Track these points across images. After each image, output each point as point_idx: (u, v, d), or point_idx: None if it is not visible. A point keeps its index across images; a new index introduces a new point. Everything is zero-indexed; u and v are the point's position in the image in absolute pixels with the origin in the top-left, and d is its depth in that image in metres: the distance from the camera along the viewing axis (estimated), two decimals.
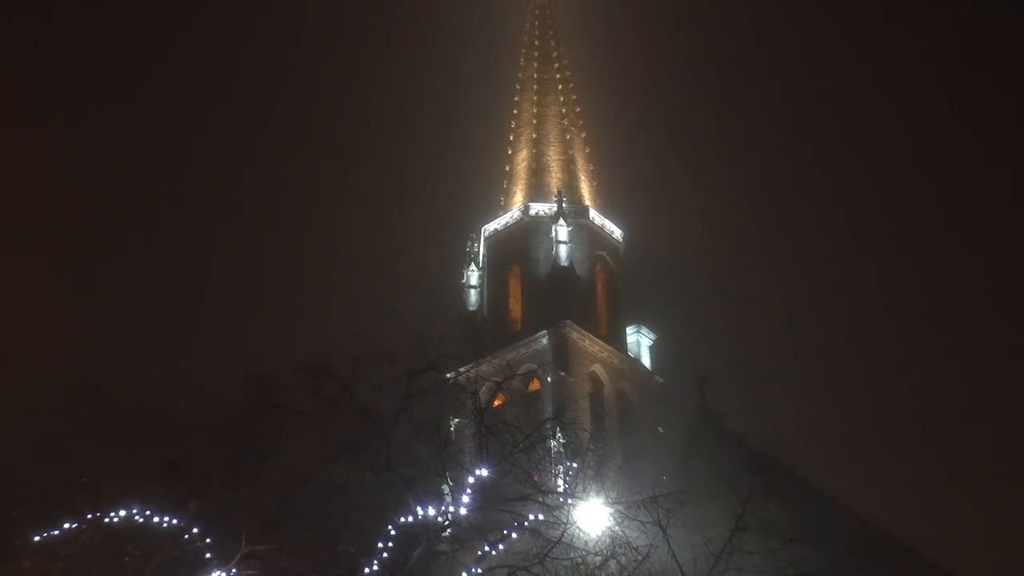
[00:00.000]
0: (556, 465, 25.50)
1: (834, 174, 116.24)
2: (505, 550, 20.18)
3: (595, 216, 56.05)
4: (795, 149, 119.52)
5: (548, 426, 26.28)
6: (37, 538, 18.93)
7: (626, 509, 21.71)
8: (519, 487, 21.13)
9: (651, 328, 54.67)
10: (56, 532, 18.90)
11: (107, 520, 18.91)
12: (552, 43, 62.43)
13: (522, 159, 58.55)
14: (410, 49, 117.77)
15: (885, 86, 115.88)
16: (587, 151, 59.75)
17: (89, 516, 18.91)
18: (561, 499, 21.65)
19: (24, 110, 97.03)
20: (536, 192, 56.34)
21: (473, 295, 54.97)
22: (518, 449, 21.54)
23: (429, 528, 20.12)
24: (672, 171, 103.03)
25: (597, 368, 50.45)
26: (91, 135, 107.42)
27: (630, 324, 54.59)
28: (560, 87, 60.71)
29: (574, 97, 60.92)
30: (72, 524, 18.90)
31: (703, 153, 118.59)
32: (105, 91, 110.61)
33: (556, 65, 61.46)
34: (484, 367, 44.52)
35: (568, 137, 59.18)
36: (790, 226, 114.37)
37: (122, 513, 18.89)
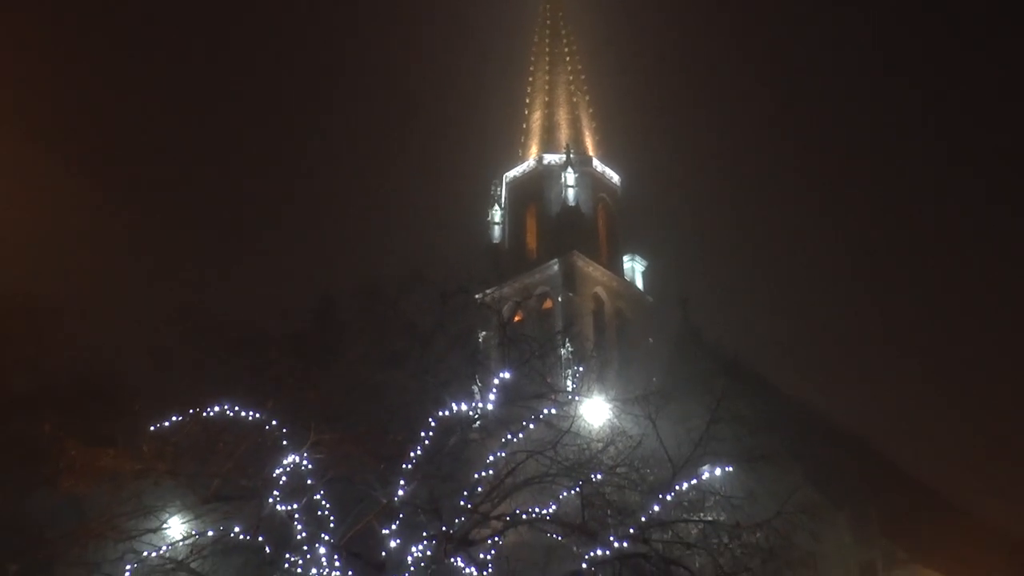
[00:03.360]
0: (565, 369, 25.50)
1: (809, 114, 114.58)
2: (524, 438, 20.25)
3: (597, 165, 55.61)
4: (770, 95, 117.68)
5: (559, 337, 26.24)
6: (153, 428, 19.01)
7: (622, 405, 21.67)
8: (535, 387, 21.09)
9: (643, 256, 54.57)
10: (167, 424, 18.91)
11: (205, 414, 18.91)
12: (561, 23, 61.37)
13: (537, 119, 57.98)
14: (449, 34, 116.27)
15: (873, 43, 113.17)
16: (590, 111, 59.16)
17: (191, 411, 18.91)
18: (569, 397, 21.65)
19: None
20: (548, 146, 55.88)
21: (497, 230, 54.84)
22: (534, 356, 21.46)
23: (462, 421, 20.16)
24: (662, 125, 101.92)
25: (599, 290, 50.43)
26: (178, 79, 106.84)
27: (626, 253, 54.48)
28: (568, 59, 59.90)
29: (579, 67, 60.17)
30: (178, 417, 18.90)
31: (691, 107, 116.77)
32: (195, 45, 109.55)
33: (564, 41, 60.54)
34: (506, 289, 44.59)
35: (575, 100, 58.57)
36: (766, 164, 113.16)
37: (217, 409, 18.90)
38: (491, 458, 20.03)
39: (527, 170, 55.20)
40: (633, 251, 54.52)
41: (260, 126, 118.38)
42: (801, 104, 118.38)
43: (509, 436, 20.03)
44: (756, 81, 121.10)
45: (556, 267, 49.11)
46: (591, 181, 54.29)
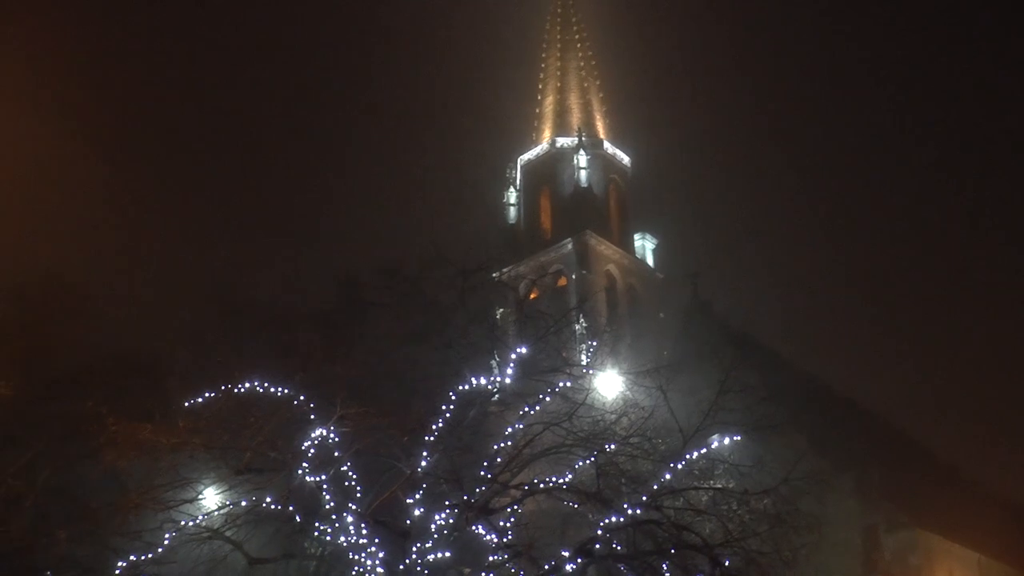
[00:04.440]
0: (580, 344, 25.41)
1: (822, 93, 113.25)
2: (540, 410, 20.18)
3: (608, 147, 55.17)
4: (780, 74, 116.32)
5: (573, 313, 26.15)
6: (187, 403, 19.03)
7: (635, 377, 21.58)
8: (551, 361, 21.02)
9: (654, 235, 54.23)
10: (200, 399, 18.90)
11: (236, 390, 18.89)
12: (572, 10, 60.57)
13: (549, 103, 57.50)
14: (464, 24, 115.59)
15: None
16: (601, 96, 58.56)
17: (223, 387, 18.88)
18: (584, 370, 21.57)
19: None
20: (561, 129, 55.45)
21: (512, 212, 54.58)
22: (550, 332, 21.38)
23: (481, 394, 20.08)
24: (672, 106, 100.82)
25: (611, 267, 50.19)
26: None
27: (637, 232, 54.12)
28: (579, 45, 59.17)
29: (590, 53, 59.43)
30: (211, 393, 18.89)
31: (699, 87, 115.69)
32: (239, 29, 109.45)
33: (575, 28, 59.71)
34: (522, 268, 44.54)
35: (585, 85, 58.00)
36: (773, 142, 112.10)
37: (247, 384, 18.87)
38: (509, 430, 19.98)
39: (540, 153, 54.86)
40: (644, 230, 54.17)
41: (284, 111, 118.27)
42: (813, 83, 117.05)
43: (526, 408, 19.98)
44: (766, 62, 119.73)
45: (570, 246, 48.88)
46: (602, 163, 53.89)
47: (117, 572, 18.46)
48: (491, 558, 19.45)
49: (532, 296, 26.54)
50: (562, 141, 54.05)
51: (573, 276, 47.29)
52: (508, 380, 19.94)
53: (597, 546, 18.52)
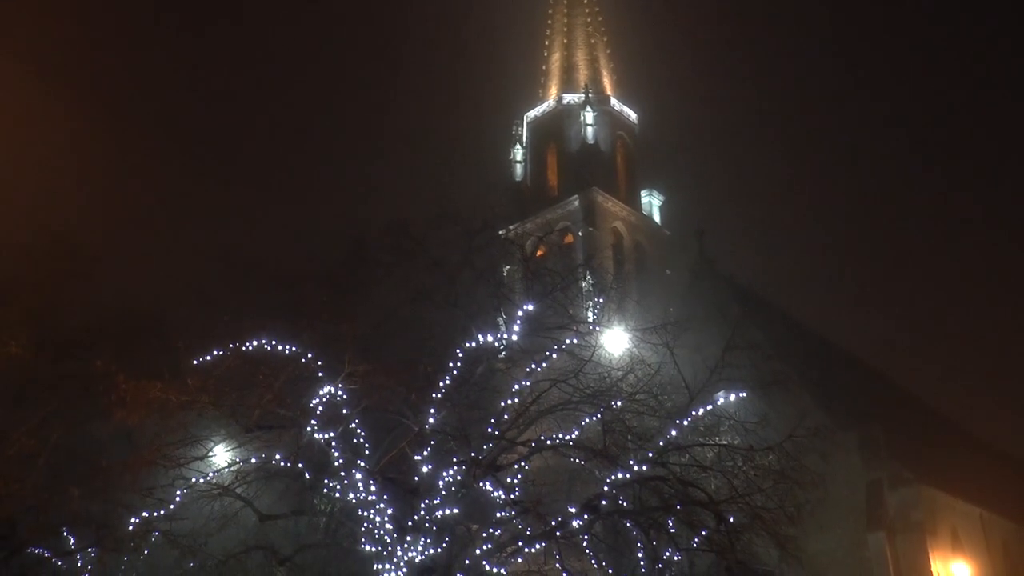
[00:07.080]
0: (586, 301, 25.16)
1: (830, 50, 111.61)
2: (547, 367, 20.09)
3: (615, 103, 54.46)
4: (787, 29, 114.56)
5: (580, 270, 25.89)
6: (195, 362, 18.90)
7: (641, 334, 21.42)
8: (558, 319, 20.85)
9: (660, 191, 53.74)
10: (208, 357, 18.77)
11: (244, 348, 18.80)
12: None
13: (556, 60, 56.68)
14: None
15: None
16: (608, 52, 57.68)
17: (231, 345, 18.78)
18: (590, 327, 21.41)
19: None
20: (568, 86, 54.73)
21: (519, 169, 54.02)
22: (556, 289, 21.19)
23: (488, 351, 19.98)
24: (679, 62, 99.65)
25: (618, 224, 49.81)
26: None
27: (643, 189, 53.60)
28: (586, 1, 58.24)
29: (597, 9, 58.44)
30: (219, 351, 18.78)
31: (706, 42, 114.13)
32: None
33: None
34: (528, 225, 44.13)
35: (592, 41, 57.12)
36: (780, 98, 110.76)
37: (255, 343, 18.78)
38: (516, 387, 19.92)
39: (547, 110, 54.21)
40: (650, 186, 53.61)
41: (288, 70, 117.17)
42: (822, 42, 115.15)
43: (533, 365, 19.90)
44: (774, 19, 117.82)
45: (576, 203, 48.46)
46: (609, 119, 53.23)
47: (130, 528, 18.60)
48: (498, 514, 19.53)
49: (539, 253, 26.17)
50: (569, 98, 53.39)
51: (580, 233, 46.96)
52: (515, 337, 19.82)
53: (603, 502, 18.57)
